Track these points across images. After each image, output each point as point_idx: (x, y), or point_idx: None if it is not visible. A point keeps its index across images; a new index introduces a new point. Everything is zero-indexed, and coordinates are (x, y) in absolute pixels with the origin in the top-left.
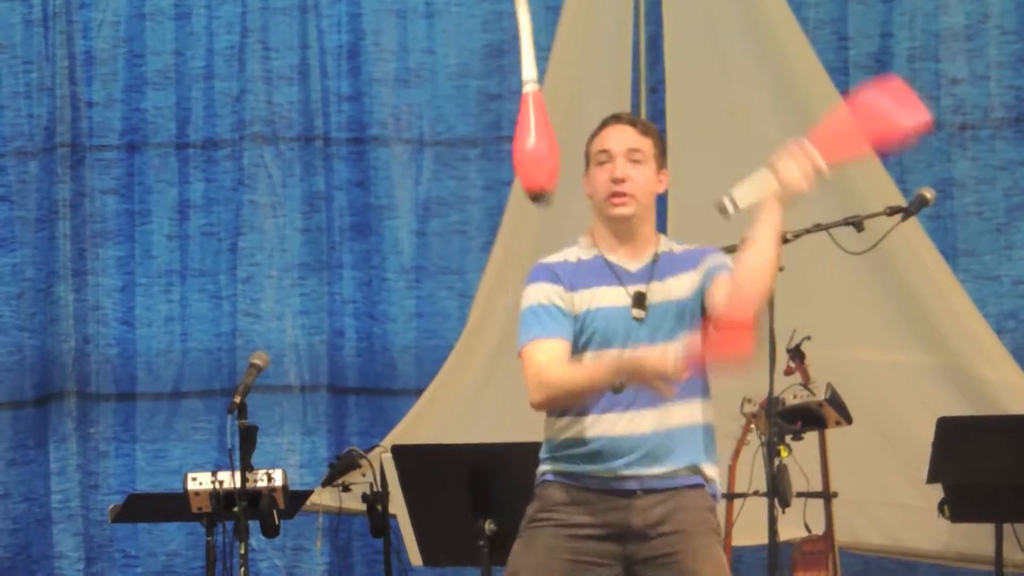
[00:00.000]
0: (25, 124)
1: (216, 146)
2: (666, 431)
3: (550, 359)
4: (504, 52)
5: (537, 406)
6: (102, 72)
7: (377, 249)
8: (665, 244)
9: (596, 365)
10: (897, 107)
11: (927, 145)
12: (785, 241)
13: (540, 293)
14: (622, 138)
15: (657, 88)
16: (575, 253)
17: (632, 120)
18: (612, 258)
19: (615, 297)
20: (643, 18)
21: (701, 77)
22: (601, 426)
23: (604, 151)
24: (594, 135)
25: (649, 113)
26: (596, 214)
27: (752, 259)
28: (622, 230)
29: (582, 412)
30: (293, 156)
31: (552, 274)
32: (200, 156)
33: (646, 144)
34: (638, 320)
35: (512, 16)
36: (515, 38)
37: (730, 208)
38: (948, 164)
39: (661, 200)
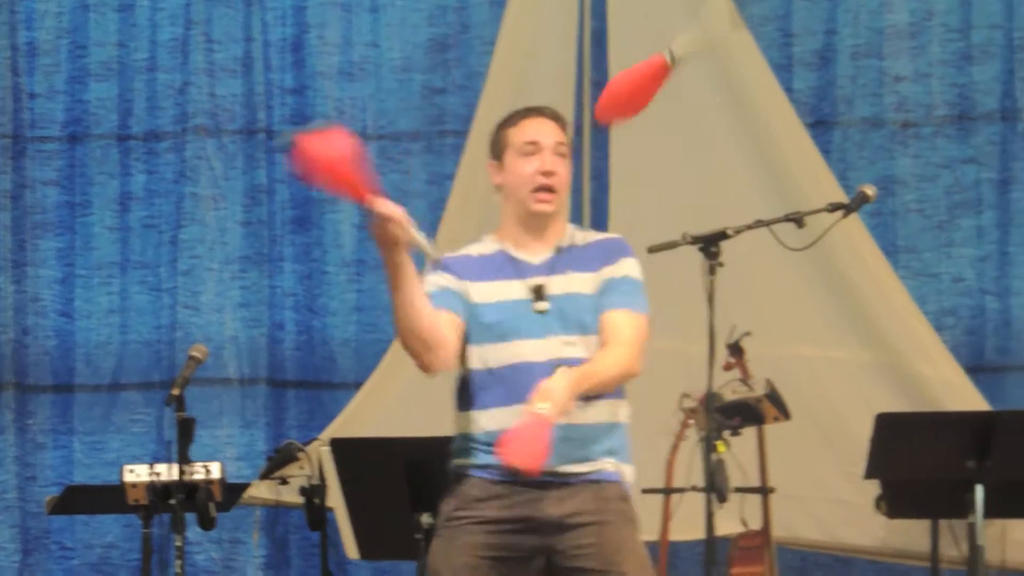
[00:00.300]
0: None
1: (158, 138)
2: (579, 427)
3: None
4: (448, 47)
5: (425, 370)
6: (44, 63)
7: (318, 242)
8: (569, 237)
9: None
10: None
11: (869, 142)
12: (726, 237)
13: (430, 284)
14: (549, 131)
15: (601, 83)
16: (476, 249)
17: (555, 114)
18: (516, 252)
19: (512, 291)
20: (588, 13)
21: None
22: (511, 418)
23: (533, 142)
24: (512, 124)
25: (592, 109)
26: (509, 205)
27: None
28: (538, 225)
29: (492, 404)
30: (235, 149)
31: (444, 267)
32: (142, 148)
33: (566, 139)
34: (541, 312)
35: (457, 11)
36: (459, 32)
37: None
38: (890, 161)
39: (603, 193)
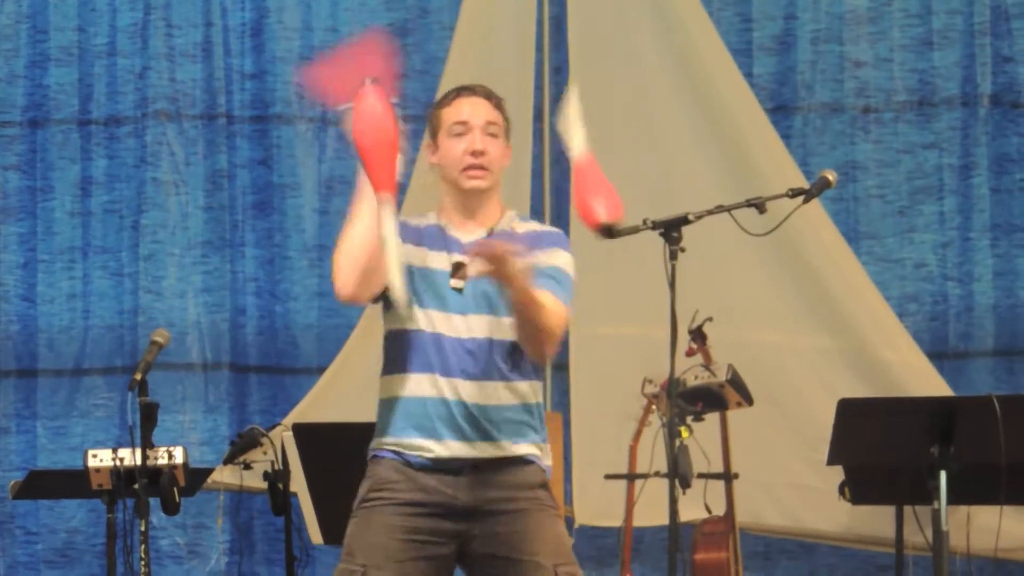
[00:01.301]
0: None
1: (119, 123)
2: (492, 407)
3: None
4: (408, 31)
5: (344, 297)
6: (4, 48)
7: (280, 227)
8: (507, 221)
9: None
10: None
11: (830, 128)
12: (687, 222)
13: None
14: (480, 110)
15: (561, 68)
16: (416, 220)
17: (488, 93)
18: (451, 229)
19: (438, 261)
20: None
21: (604, 58)
22: (421, 388)
23: (462, 123)
24: (445, 104)
25: (552, 94)
26: (445, 185)
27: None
28: (471, 202)
29: (406, 369)
30: (196, 134)
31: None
32: (103, 133)
33: (499, 118)
34: (457, 290)
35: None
36: (418, 17)
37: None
38: (851, 147)
39: (564, 179)
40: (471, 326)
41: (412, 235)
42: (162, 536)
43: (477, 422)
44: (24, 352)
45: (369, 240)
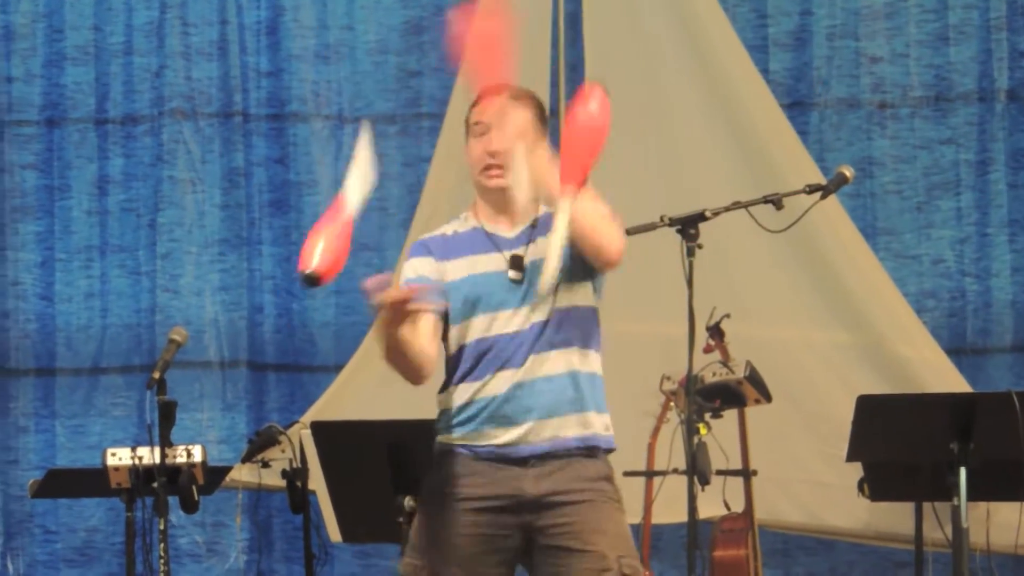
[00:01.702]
0: None
1: (135, 122)
2: (548, 377)
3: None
4: (424, 29)
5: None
6: (21, 47)
7: (296, 225)
8: (544, 209)
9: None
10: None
11: (847, 123)
12: (704, 219)
13: (410, 269)
14: (499, 110)
15: (576, 65)
16: (453, 227)
17: (514, 92)
18: (491, 228)
19: (490, 263)
20: None
21: (620, 54)
22: (488, 389)
23: (480, 122)
24: (472, 105)
25: (568, 90)
26: (474, 185)
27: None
28: (499, 201)
29: (469, 377)
30: (212, 132)
31: (424, 248)
32: (119, 131)
33: (523, 116)
34: (515, 281)
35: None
36: (434, 15)
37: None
38: (868, 142)
39: None
40: (532, 313)
41: (452, 246)
42: (181, 535)
43: (540, 393)
44: (42, 351)
45: (409, 353)
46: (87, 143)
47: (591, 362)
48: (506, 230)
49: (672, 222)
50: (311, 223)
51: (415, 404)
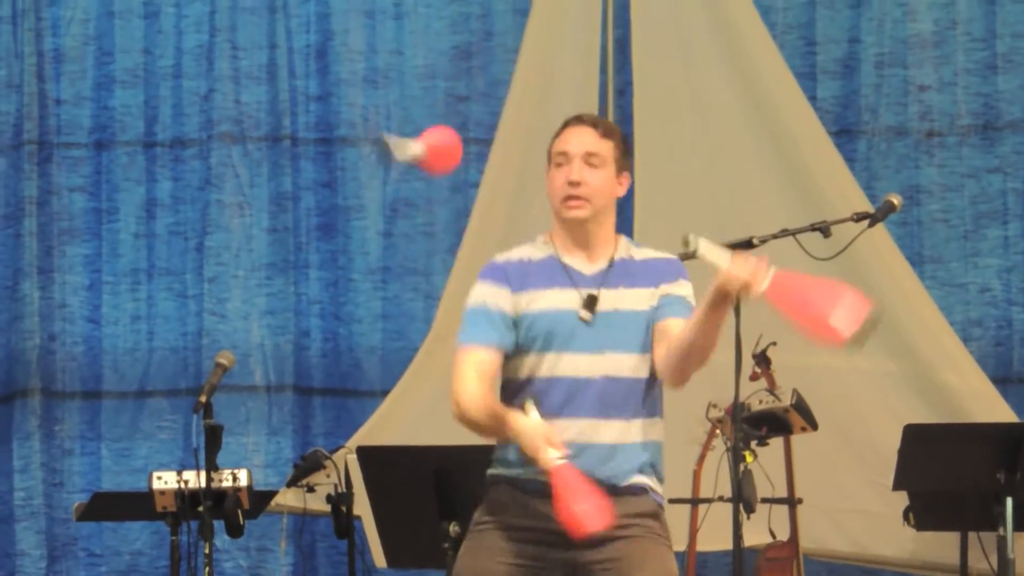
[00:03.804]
0: None
1: (184, 145)
2: (607, 445)
3: (475, 375)
4: (472, 54)
5: (455, 416)
6: (70, 70)
7: (344, 250)
8: (623, 249)
9: (500, 417)
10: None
11: (894, 151)
12: (752, 246)
13: (486, 294)
14: (581, 140)
15: (624, 91)
16: (529, 252)
17: (594, 121)
18: (568, 260)
19: (566, 300)
20: (611, 21)
21: (668, 80)
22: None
23: (562, 153)
24: (556, 135)
25: (616, 116)
26: (553, 215)
27: (699, 340)
28: (577, 233)
29: (544, 414)
30: (261, 156)
31: (502, 274)
32: (168, 155)
33: (605, 147)
34: (585, 321)
35: (481, 19)
36: (483, 40)
37: (692, 245)
38: (915, 171)
39: (628, 201)
40: (602, 363)
41: (531, 275)
42: (226, 559)
43: (596, 458)
44: (89, 374)
45: (481, 432)
46: (135, 166)
47: (656, 430)
48: (583, 265)
49: None
50: (359, 247)
51: (461, 430)
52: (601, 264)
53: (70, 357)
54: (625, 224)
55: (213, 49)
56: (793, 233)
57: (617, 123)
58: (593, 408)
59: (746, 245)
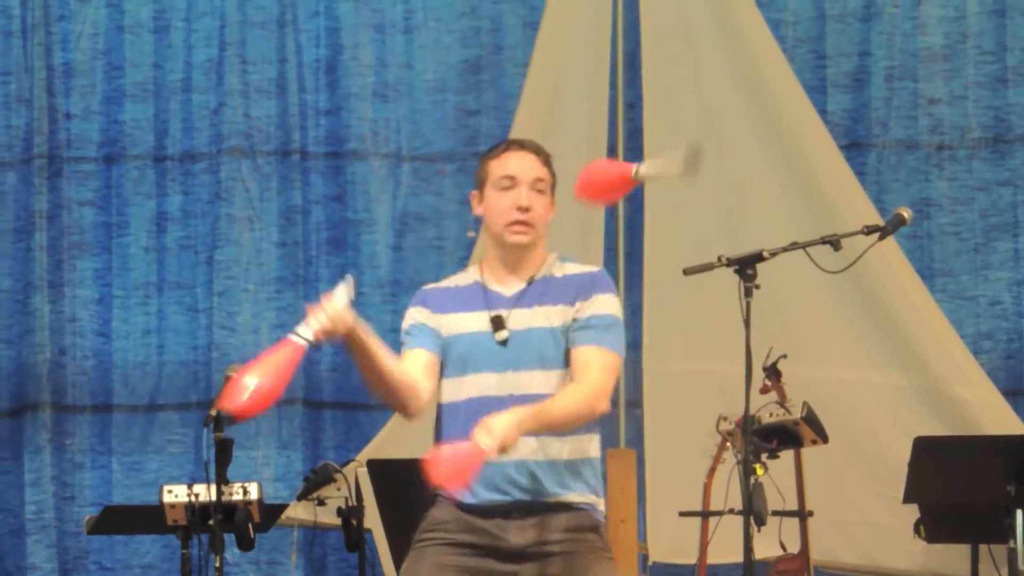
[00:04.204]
0: (3, 135)
1: (194, 159)
2: (545, 463)
3: (423, 372)
4: (482, 68)
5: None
6: (80, 84)
7: (354, 263)
8: (548, 267)
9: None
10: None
11: (904, 164)
12: (762, 259)
13: (409, 317)
14: (528, 166)
15: (634, 104)
16: (455, 280)
17: (536, 148)
18: (492, 284)
19: (478, 322)
20: (621, 35)
21: (678, 95)
22: None
23: (509, 176)
24: (494, 156)
25: (627, 130)
26: (488, 237)
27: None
28: (514, 257)
29: (454, 436)
30: (270, 170)
31: (422, 298)
32: (178, 169)
33: (547, 174)
34: (501, 343)
35: (491, 33)
36: (492, 53)
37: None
38: (926, 184)
39: (637, 215)
40: (514, 382)
41: (450, 300)
42: (236, 572)
43: (530, 475)
44: (99, 387)
45: (389, 377)
46: (145, 180)
47: (592, 442)
48: (506, 287)
49: (730, 262)
50: (368, 261)
51: None
52: (520, 285)
53: (80, 371)
54: (635, 237)
55: (223, 63)
56: (803, 246)
57: (627, 137)
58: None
59: (756, 258)
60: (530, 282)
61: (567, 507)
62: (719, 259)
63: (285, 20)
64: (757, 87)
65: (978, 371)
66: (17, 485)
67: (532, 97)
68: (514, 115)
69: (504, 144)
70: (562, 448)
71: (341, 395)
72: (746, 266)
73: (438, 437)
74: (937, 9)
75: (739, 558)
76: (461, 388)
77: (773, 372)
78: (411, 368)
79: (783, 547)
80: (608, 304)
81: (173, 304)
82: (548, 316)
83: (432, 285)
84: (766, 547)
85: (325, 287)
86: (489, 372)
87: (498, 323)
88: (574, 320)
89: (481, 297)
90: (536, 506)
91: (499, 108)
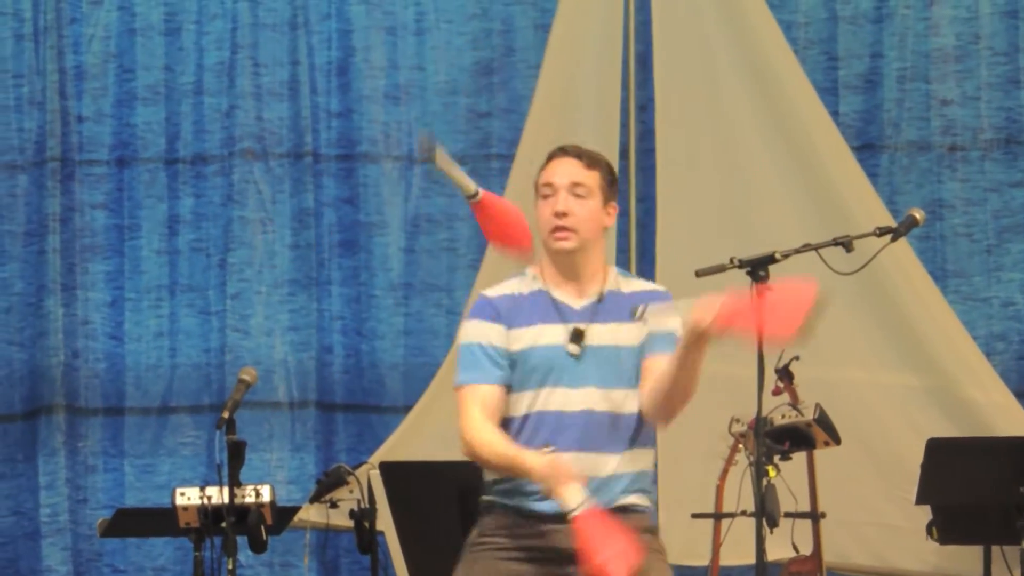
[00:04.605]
0: (15, 138)
1: (205, 162)
2: (604, 479)
3: (481, 414)
4: (493, 70)
5: (464, 453)
6: (92, 87)
7: (366, 266)
8: (613, 281)
9: (512, 457)
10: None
11: (917, 166)
12: (774, 261)
13: (479, 332)
14: (566, 171)
15: (646, 106)
16: (518, 286)
17: (579, 152)
18: (557, 294)
19: (555, 335)
20: (633, 36)
21: (690, 96)
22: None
23: (548, 184)
24: (543, 166)
25: (638, 131)
26: (543, 247)
27: (679, 380)
28: (565, 265)
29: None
30: (283, 172)
31: (493, 311)
32: (189, 171)
33: (591, 177)
34: (574, 356)
35: (502, 35)
36: (504, 56)
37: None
38: (938, 185)
39: (650, 216)
40: (590, 398)
41: (521, 311)
42: (249, 575)
43: (589, 489)
44: (111, 390)
45: (494, 469)
46: (157, 183)
47: (649, 458)
48: (572, 299)
49: (742, 264)
50: (381, 264)
51: None
52: (591, 297)
53: (93, 374)
54: (648, 239)
55: (235, 66)
56: (815, 248)
57: (639, 139)
58: (581, 442)
59: (769, 260)
60: (600, 297)
61: (621, 510)
62: (731, 261)
63: (297, 23)
64: (769, 88)
65: (991, 372)
66: (32, 488)
67: (544, 99)
68: (526, 117)
69: (552, 151)
70: (622, 461)
71: (354, 397)
72: (758, 268)
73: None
74: (949, 10)
75: (751, 560)
76: (534, 401)
77: (785, 374)
78: (480, 417)
79: (795, 549)
80: (678, 323)
81: (185, 307)
82: (627, 333)
83: (496, 293)
84: (778, 549)
85: (337, 289)
86: (564, 387)
87: (577, 336)
88: (649, 335)
89: (552, 308)
90: (620, 527)
91: (511, 110)
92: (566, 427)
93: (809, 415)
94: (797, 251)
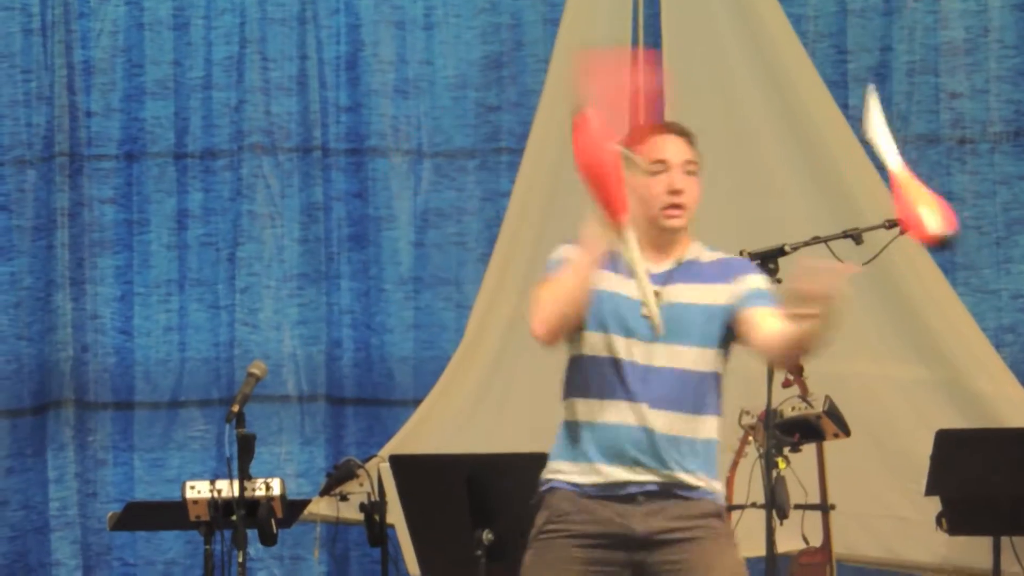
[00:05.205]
0: (24, 133)
1: (214, 156)
2: (671, 437)
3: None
4: (503, 64)
5: (539, 336)
6: (100, 81)
7: (375, 260)
8: (693, 251)
9: (566, 269)
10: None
11: (926, 158)
12: (784, 253)
13: (566, 249)
14: (678, 149)
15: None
16: (611, 243)
17: (682, 130)
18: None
19: (629, 288)
20: (642, 32)
21: (700, 91)
22: (618, 429)
23: (661, 161)
24: (640, 140)
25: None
26: (638, 220)
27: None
28: (666, 239)
29: (591, 395)
30: (292, 166)
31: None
32: (198, 166)
33: (697, 156)
34: (645, 317)
35: (511, 29)
36: (513, 50)
37: None
38: (947, 178)
39: None
40: (659, 355)
41: (608, 258)
42: (259, 568)
43: (659, 451)
44: (121, 385)
45: (577, 293)
46: (166, 177)
47: (716, 427)
48: (654, 264)
49: (752, 256)
50: (390, 257)
51: (493, 439)
52: (668, 265)
53: (102, 368)
54: None
55: (243, 60)
56: (825, 240)
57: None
58: (653, 396)
59: (778, 253)
60: (679, 263)
61: (691, 489)
62: (741, 253)
63: (305, 17)
64: (778, 82)
65: (1000, 364)
66: (41, 482)
67: (553, 93)
68: (535, 111)
69: (649, 127)
70: (693, 422)
71: (363, 391)
72: (768, 260)
73: (571, 391)
74: (958, 3)
75: (762, 552)
76: (605, 345)
77: (795, 366)
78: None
79: (805, 540)
80: (765, 282)
81: (195, 301)
82: (708, 293)
83: None
84: (788, 541)
85: (347, 283)
86: (634, 340)
87: (654, 298)
88: (743, 292)
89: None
90: (661, 492)
91: (520, 104)
92: (637, 378)
93: (819, 407)
94: (806, 244)
